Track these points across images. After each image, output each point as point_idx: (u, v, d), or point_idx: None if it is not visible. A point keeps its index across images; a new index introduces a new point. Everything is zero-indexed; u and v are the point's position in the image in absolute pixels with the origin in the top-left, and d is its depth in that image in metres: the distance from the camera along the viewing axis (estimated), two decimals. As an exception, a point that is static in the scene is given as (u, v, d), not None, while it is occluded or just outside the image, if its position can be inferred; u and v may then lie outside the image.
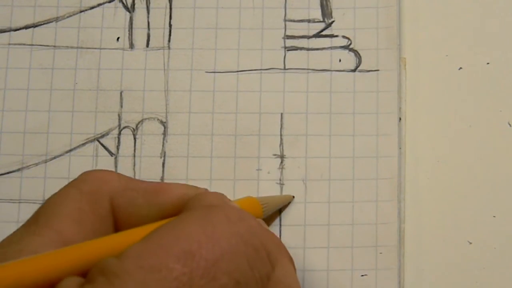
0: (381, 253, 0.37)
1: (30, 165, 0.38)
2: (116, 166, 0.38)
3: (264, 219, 0.33)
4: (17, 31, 0.40)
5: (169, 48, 0.40)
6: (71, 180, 0.38)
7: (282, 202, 0.37)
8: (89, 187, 0.27)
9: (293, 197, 0.37)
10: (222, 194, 0.28)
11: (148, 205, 0.28)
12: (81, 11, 0.40)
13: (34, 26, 0.40)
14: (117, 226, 0.28)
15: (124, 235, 0.26)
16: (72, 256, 0.24)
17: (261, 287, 0.25)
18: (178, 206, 0.28)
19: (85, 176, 0.28)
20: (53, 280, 0.23)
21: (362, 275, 0.36)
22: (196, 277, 0.22)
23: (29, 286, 0.22)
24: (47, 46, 0.40)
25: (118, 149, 0.38)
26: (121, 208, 0.28)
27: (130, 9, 0.40)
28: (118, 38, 0.40)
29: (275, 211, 0.37)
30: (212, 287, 0.23)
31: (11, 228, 0.37)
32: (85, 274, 0.23)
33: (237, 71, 0.39)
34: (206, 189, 0.30)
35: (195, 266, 0.22)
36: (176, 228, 0.24)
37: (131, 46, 0.40)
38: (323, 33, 0.40)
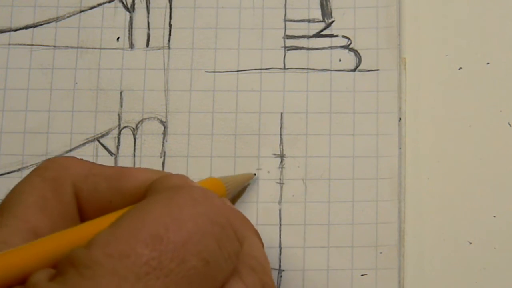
0: (381, 253, 0.37)
1: (30, 165, 0.38)
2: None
3: (229, 199, 0.33)
4: (17, 31, 0.40)
5: (169, 48, 0.40)
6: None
7: (244, 181, 0.37)
8: (51, 173, 0.27)
9: (255, 174, 0.37)
10: (185, 176, 0.28)
11: (111, 191, 0.28)
12: (81, 11, 0.40)
13: (34, 26, 0.40)
14: (82, 212, 0.28)
15: (92, 224, 0.26)
16: (42, 249, 0.24)
17: (230, 264, 0.25)
18: (142, 191, 0.28)
19: (47, 163, 0.28)
20: (25, 274, 0.23)
21: (362, 275, 0.36)
22: (166, 261, 0.22)
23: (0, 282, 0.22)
24: (47, 46, 0.40)
25: (118, 149, 0.38)
26: (84, 194, 0.28)
27: (130, 9, 0.40)
28: (118, 38, 0.40)
29: (239, 189, 0.37)
30: (182, 269, 0.22)
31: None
32: (56, 266, 0.23)
33: (237, 71, 0.39)
34: (169, 173, 0.29)
35: (163, 250, 0.22)
36: (142, 212, 0.23)
37: (131, 46, 0.40)
38: (323, 33, 0.40)
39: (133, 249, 0.22)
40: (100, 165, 0.29)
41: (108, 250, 0.22)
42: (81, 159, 0.29)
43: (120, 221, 0.23)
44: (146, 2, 0.40)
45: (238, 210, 0.27)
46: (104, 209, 0.27)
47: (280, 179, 0.38)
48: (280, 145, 0.38)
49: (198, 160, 0.38)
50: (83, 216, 0.28)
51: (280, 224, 0.37)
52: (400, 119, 0.38)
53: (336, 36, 0.39)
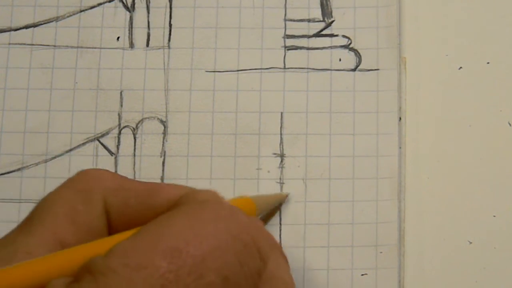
0: (381, 252, 0.37)
1: (30, 165, 0.38)
2: (116, 166, 0.38)
3: (261, 219, 0.33)
4: (17, 31, 0.40)
5: (169, 47, 0.40)
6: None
7: (277, 201, 0.37)
8: (83, 185, 0.27)
9: (287, 195, 0.37)
10: (215, 192, 0.28)
11: (141, 206, 0.27)
12: (81, 11, 0.40)
13: (34, 26, 0.40)
14: (110, 226, 0.28)
15: (116, 237, 0.26)
16: (64, 259, 0.24)
17: (251, 282, 0.24)
18: (171, 207, 0.28)
19: (80, 176, 0.28)
20: (45, 283, 0.23)
21: (362, 275, 0.36)
22: (183, 275, 0.22)
23: None
24: (47, 46, 0.40)
25: (118, 148, 0.38)
26: (114, 208, 0.27)
27: (130, 8, 0.40)
28: (118, 38, 0.40)
29: (272, 209, 0.37)
30: (199, 284, 0.22)
31: (11, 228, 0.37)
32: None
33: (237, 71, 0.39)
34: (200, 189, 0.29)
35: (181, 264, 0.22)
36: (163, 224, 0.23)
37: (131, 45, 0.40)
38: (323, 32, 0.40)
39: (150, 260, 0.22)
40: (132, 180, 0.29)
41: (125, 259, 0.22)
42: (113, 172, 0.29)
43: (141, 232, 0.23)
44: (146, 2, 0.40)
45: (266, 230, 0.27)
46: (132, 224, 0.27)
47: (280, 178, 0.38)
48: (280, 145, 0.38)
49: (198, 160, 0.38)
50: (111, 230, 0.28)
51: (280, 224, 0.37)
52: (400, 118, 0.38)
53: (336, 35, 0.39)
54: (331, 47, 0.39)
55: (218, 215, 0.24)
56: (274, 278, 0.26)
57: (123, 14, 0.40)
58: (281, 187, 0.38)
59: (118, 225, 0.27)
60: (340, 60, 0.39)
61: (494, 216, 0.37)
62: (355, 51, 0.39)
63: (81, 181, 0.28)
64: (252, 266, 0.24)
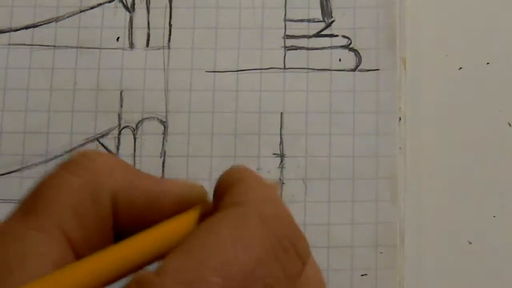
0: (381, 253, 0.37)
1: (30, 165, 0.38)
2: (116, 166, 0.38)
3: None
4: (17, 31, 0.40)
5: (169, 47, 0.40)
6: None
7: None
8: (91, 177, 0.25)
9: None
10: (245, 168, 0.27)
11: (148, 207, 0.26)
12: (81, 11, 0.40)
13: (34, 26, 0.40)
14: (115, 226, 0.26)
15: (145, 239, 0.25)
16: (104, 267, 0.23)
17: (291, 286, 0.24)
18: (177, 208, 0.27)
19: (85, 160, 0.26)
20: None
21: (362, 275, 0.36)
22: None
23: None
24: (47, 46, 0.40)
25: (118, 148, 0.38)
26: (121, 209, 0.26)
27: (130, 9, 0.40)
28: (118, 38, 0.40)
29: None
30: None
31: (11, 228, 0.37)
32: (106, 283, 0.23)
33: (237, 71, 0.39)
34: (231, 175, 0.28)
35: (232, 277, 0.22)
36: (212, 235, 0.23)
37: (131, 46, 0.40)
38: (323, 32, 0.40)
39: (202, 276, 0.22)
40: (140, 174, 0.27)
41: (179, 277, 0.21)
42: (122, 162, 0.27)
43: (189, 244, 0.23)
44: (146, 2, 0.40)
45: (298, 226, 0.26)
46: (136, 224, 0.26)
47: (280, 179, 0.38)
48: (280, 145, 0.38)
49: (198, 160, 0.38)
50: (114, 229, 0.26)
51: (280, 224, 0.37)
52: (400, 119, 0.38)
53: (336, 36, 0.39)
54: (331, 47, 0.39)
55: (263, 220, 0.24)
56: (310, 279, 0.26)
57: (123, 14, 0.40)
58: (281, 187, 0.38)
59: (122, 226, 0.26)
60: (340, 60, 0.39)
61: (494, 216, 0.37)
62: (355, 51, 0.39)
63: (88, 170, 0.25)
64: (293, 270, 0.24)
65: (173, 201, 0.27)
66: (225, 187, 0.26)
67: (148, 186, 0.27)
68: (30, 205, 0.24)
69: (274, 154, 0.38)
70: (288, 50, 0.39)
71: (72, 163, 0.25)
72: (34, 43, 0.40)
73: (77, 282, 0.22)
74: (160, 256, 0.25)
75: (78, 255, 0.24)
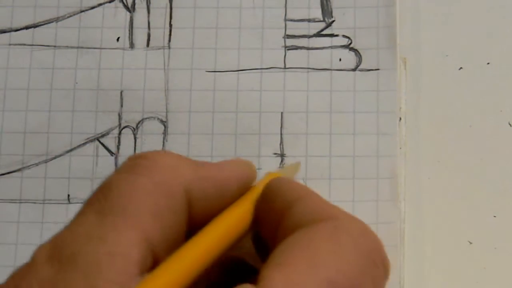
0: (381, 252, 0.37)
1: (30, 165, 0.38)
2: (116, 166, 0.38)
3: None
4: (17, 31, 0.40)
5: (169, 47, 0.40)
6: (72, 178, 0.38)
7: (295, 171, 0.36)
8: (160, 177, 0.24)
9: (299, 162, 0.37)
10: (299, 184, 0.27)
11: (219, 195, 0.26)
12: (81, 11, 0.40)
13: (35, 26, 0.40)
14: (190, 221, 0.25)
15: (222, 226, 0.25)
16: (197, 261, 0.23)
17: None
18: (241, 190, 0.27)
19: (153, 163, 0.25)
20: None
21: (363, 275, 0.36)
22: None
23: None
24: (47, 46, 0.40)
25: (118, 148, 0.38)
26: (195, 202, 0.25)
27: (131, 9, 0.40)
28: (118, 38, 0.40)
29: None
30: None
31: (12, 228, 0.37)
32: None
33: (238, 71, 0.39)
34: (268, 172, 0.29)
35: None
36: (311, 251, 0.22)
37: (131, 46, 0.40)
38: (324, 32, 0.40)
39: None
40: (203, 163, 0.26)
41: None
42: (185, 158, 0.26)
43: (289, 259, 0.22)
44: (147, 2, 0.40)
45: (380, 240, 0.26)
46: (209, 215, 0.25)
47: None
48: (280, 145, 0.38)
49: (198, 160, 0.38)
50: (190, 225, 0.25)
51: (281, 224, 0.37)
52: (400, 119, 0.38)
53: (337, 35, 0.39)
54: (331, 47, 0.39)
55: (352, 236, 0.24)
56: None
57: (123, 14, 0.40)
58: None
59: (196, 219, 0.26)
60: (340, 60, 0.39)
61: (494, 216, 0.37)
62: (355, 51, 0.39)
63: (156, 172, 0.24)
64: (381, 283, 0.24)
65: (237, 183, 0.27)
66: (281, 201, 0.26)
67: (214, 174, 0.26)
68: (105, 207, 0.23)
69: (275, 153, 0.38)
70: (288, 50, 0.39)
71: (136, 166, 0.25)
72: (34, 43, 0.40)
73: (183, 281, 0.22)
74: (238, 239, 0.25)
75: (156, 255, 0.23)
